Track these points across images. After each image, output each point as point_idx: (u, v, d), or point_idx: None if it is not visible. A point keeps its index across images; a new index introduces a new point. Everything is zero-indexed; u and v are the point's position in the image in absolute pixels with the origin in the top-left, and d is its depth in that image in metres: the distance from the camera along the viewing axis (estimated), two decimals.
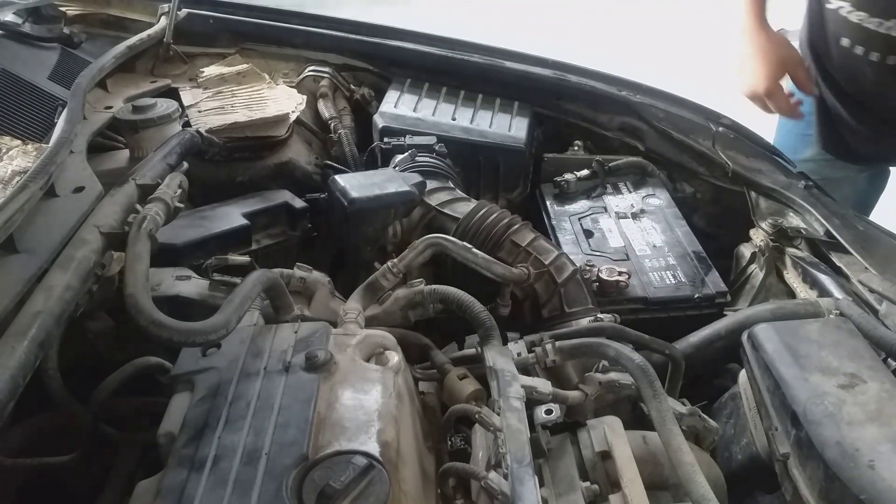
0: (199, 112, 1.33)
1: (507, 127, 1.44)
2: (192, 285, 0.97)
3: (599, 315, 1.02)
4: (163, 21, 1.56)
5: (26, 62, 1.30)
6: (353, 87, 1.61)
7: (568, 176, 1.41)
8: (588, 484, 0.75)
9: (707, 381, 1.10)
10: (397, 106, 1.47)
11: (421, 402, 0.88)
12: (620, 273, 1.12)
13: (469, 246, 1.04)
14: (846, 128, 1.41)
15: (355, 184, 1.14)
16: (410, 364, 0.91)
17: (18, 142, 0.98)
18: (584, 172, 1.42)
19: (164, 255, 0.97)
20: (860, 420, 0.72)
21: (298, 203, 1.22)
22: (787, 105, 1.34)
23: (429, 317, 1.01)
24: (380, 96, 1.54)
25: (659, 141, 1.44)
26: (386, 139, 1.36)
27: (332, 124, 1.49)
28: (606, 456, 0.77)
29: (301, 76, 1.59)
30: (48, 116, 1.17)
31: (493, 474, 0.70)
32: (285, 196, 1.23)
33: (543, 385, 0.81)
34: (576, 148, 1.50)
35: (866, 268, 1.06)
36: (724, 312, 1.12)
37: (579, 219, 1.32)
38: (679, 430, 0.74)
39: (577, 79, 1.51)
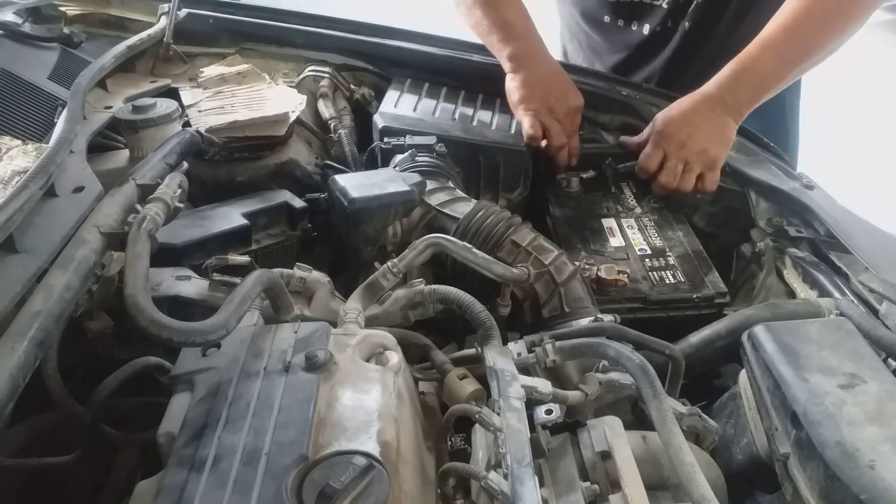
0: (199, 112, 1.33)
1: (507, 127, 1.44)
2: (192, 285, 0.97)
3: (599, 315, 1.02)
4: (163, 21, 1.56)
5: (26, 62, 1.29)
6: (353, 87, 1.61)
7: (569, 175, 1.41)
8: (588, 484, 0.75)
9: (707, 381, 1.10)
10: (397, 106, 1.46)
11: (421, 402, 0.88)
12: (620, 272, 1.12)
13: (469, 246, 1.03)
14: None
15: (355, 184, 1.13)
16: (410, 364, 0.90)
17: (18, 142, 0.98)
18: (587, 173, 1.43)
19: (164, 255, 0.97)
20: (860, 420, 0.72)
21: (298, 203, 1.22)
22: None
23: (429, 317, 1.01)
24: (380, 96, 1.54)
25: None
26: (386, 139, 1.35)
27: (332, 124, 1.49)
28: (606, 456, 0.77)
29: (301, 76, 1.59)
30: (48, 116, 1.17)
31: (493, 474, 0.70)
32: (285, 196, 1.23)
33: (543, 385, 0.81)
34: None
35: (866, 268, 1.06)
36: (724, 312, 1.12)
37: (580, 218, 1.31)
38: (679, 430, 0.74)
39: (577, 78, 1.51)
